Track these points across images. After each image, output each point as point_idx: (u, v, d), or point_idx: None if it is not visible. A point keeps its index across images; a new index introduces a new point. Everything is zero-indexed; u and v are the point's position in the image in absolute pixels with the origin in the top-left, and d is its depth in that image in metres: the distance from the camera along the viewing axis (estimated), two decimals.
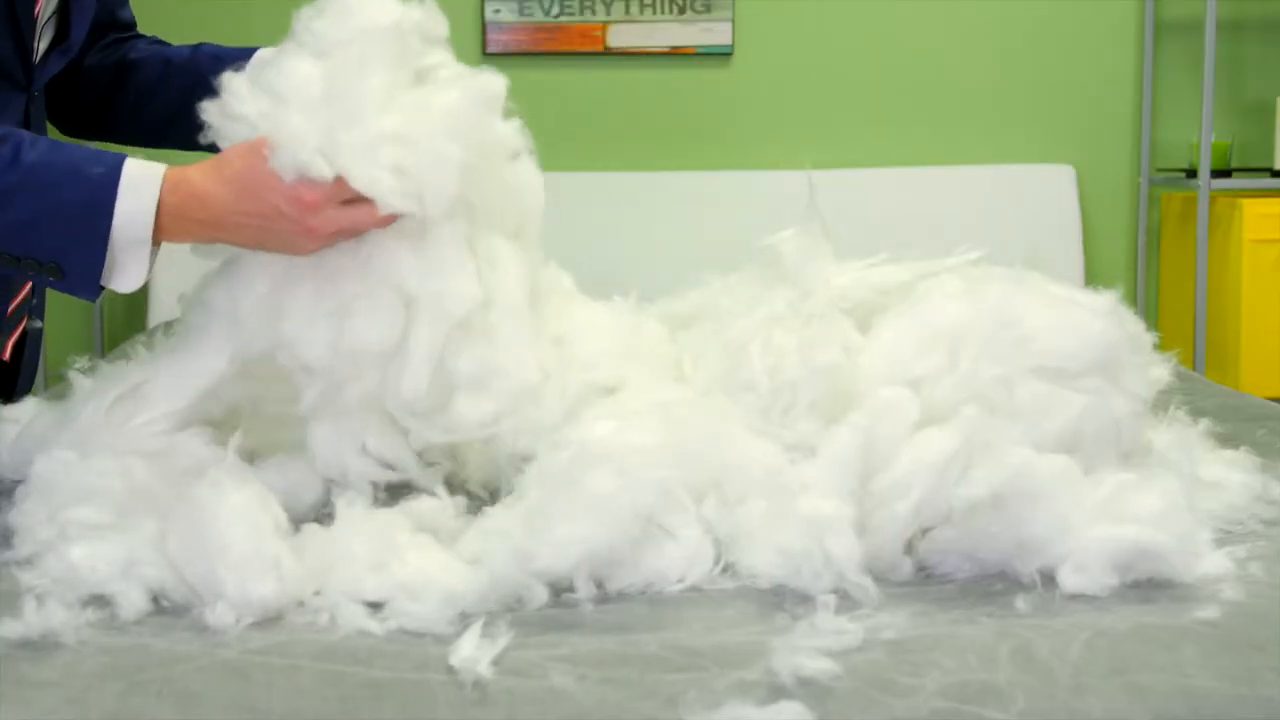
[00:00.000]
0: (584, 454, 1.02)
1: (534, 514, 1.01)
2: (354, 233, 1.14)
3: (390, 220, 1.14)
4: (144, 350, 1.30)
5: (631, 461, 1.02)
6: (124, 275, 1.13)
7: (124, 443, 1.16)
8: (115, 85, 1.53)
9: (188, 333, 1.22)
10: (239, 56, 1.38)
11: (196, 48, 1.51)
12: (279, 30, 1.22)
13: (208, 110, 1.19)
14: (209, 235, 1.15)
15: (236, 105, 1.16)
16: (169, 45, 1.56)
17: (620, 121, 3.50)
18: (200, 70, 1.43)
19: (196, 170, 1.13)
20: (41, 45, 1.38)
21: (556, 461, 1.03)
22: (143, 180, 1.12)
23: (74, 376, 1.28)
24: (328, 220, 1.12)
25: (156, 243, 1.14)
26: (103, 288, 1.13)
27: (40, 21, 1.35)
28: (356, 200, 1.12)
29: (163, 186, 1.12)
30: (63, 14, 1.39)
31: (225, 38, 1.63)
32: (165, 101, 1.49)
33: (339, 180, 1.11)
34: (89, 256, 1.10)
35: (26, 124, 1.40)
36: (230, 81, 1.18)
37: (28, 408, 1.30)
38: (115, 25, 1.57)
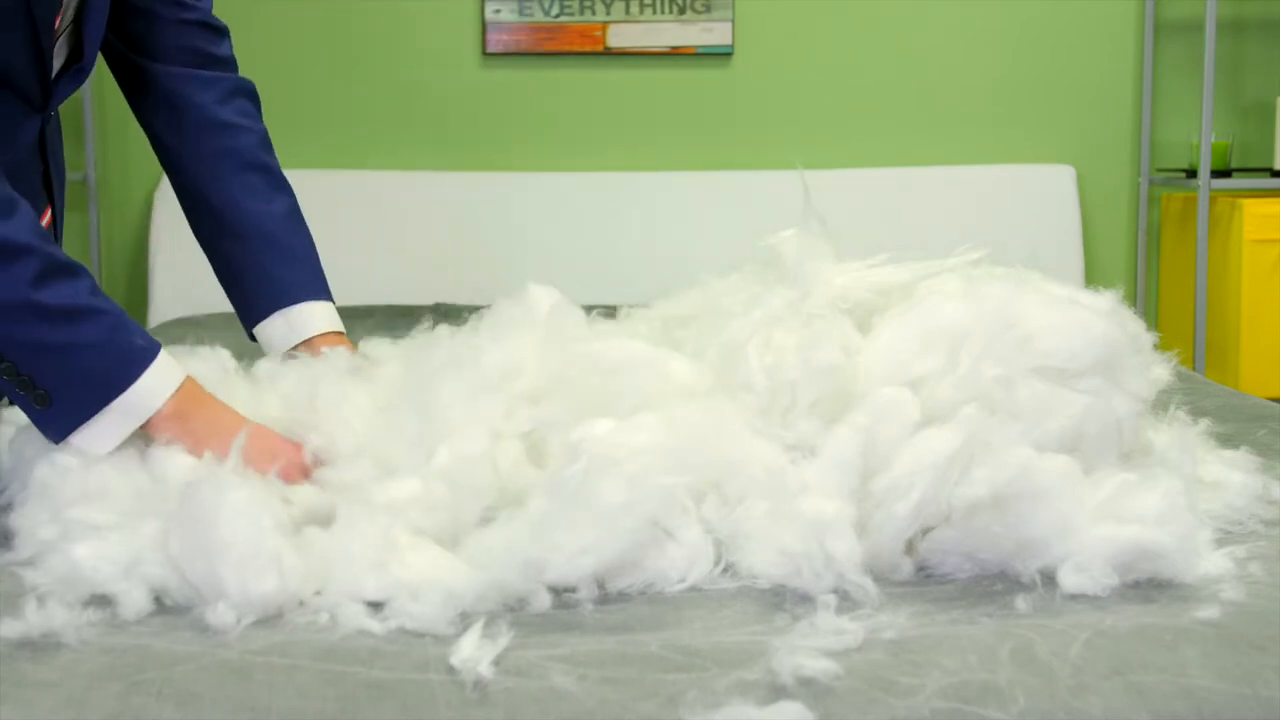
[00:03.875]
0: (593, 462, 1.02)
1: (543, 524, 1.01)
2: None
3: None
4: None
5: (639, 468, 1.02)
6: (98, 437, 1.14)
7: (123, 443, 1.16)
8: (199, 207, 1.49)
9: None
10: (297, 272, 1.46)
11: (285, 224, 1.49)
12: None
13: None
14: (193, 435, 1.17)
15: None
16: (267, 177, 1.49)
17: (620, 121, 3.50)
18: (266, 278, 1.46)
19: (224, 407, 1.20)
20: (56, 63, 1.34)
21: (565, 470, 1.03)
22: (171, 371, 1.17)
23: None
24: (289, 471, 1.16)
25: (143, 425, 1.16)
26: (66, 438, 1.14)
27: (59, 33, 1.31)
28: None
29: (182, 384, 1.17)
30: (76, 27, 1.35)
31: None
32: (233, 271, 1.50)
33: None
34: (83, 405, 1.13)
35: (42, 148, 1.37)
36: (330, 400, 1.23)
37: None
38: (210, 60, 1.49)
